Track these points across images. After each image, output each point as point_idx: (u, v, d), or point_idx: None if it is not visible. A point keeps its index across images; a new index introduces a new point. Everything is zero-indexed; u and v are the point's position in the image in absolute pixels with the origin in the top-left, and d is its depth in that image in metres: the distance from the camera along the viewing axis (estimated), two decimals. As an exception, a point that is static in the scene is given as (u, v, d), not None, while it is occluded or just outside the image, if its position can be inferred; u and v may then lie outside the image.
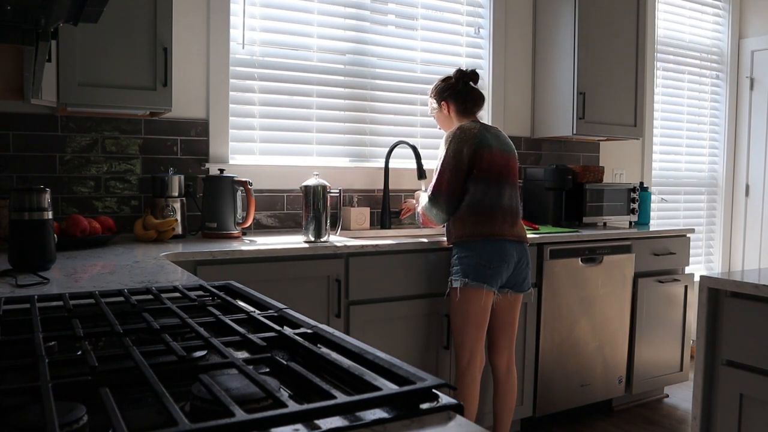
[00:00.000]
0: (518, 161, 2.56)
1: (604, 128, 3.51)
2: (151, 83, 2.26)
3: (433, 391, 0.66)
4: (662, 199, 4.28)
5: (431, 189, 2.44)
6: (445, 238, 2.53)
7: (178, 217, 2.47)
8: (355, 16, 3.07)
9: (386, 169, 3.05)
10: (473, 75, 2.58)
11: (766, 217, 4.44)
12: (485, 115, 3.46)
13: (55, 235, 1.68)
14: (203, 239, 2.46)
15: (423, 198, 2.53)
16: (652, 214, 4.07)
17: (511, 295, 2.46)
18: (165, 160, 2.63)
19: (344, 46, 3.05)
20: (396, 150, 3.12)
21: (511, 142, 2.56)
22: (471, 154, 2.39)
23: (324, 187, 2.42)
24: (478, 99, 2.57)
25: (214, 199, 2.50)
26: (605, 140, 3.85)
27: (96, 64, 2.17)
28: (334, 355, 0.78)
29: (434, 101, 2.62)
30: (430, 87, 2.64)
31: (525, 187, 3.47)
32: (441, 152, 2.47)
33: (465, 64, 3.40)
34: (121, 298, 1.15)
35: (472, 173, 2.40)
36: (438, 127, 2.68)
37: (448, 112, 2.57)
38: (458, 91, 2.55)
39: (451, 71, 3.33)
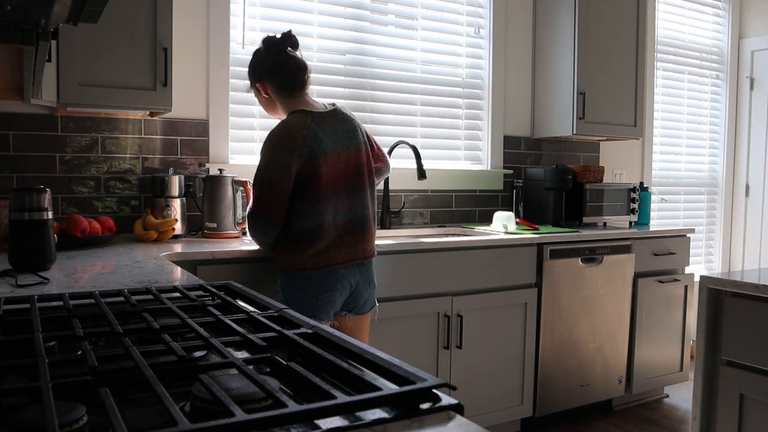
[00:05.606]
0: (368, 150, 2.08)
1: (604, 128, 3.51)
2: (151, 83, 2.26)
3: (433, 391, 0.66)
4: (662, 199, 4.28)
5: (249, 210, 2.00)
6: (447, 239, 2.53)
7: (178, 217, 2.48)
8: (355, 16, 3.07)
9: (386, 169, 3.05)
10: (291, 39, 2.04)
11: (766, 217, 4.44)
12: (486, 116, 3.46)
13: (55, 235, 1.69)
14: (203, 239, 2.46)
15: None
16: (652, 214, 4.07)
17: (351, 319, 2.09)
18: (165, 160, 2.63)
19: (344, 46, 3.05)
20: (396, 150, 3.12)
21: (356, 125, 2.06)
22: (300, 167, 1.91)
23: (323, 187, 2.40)
24: (302, 68, 2.04)
25: (214, 199, 2.50)
26: (605, 140, 3.85)
27: (96, 64, 2.17)
28: (334, 355, 0.78)
29: (250, 83, 2.12)
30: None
31: (525, 187, 3.47)
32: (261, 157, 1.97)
33: (465, 64, 3.40)
34: (121, 298, 1.15)
35: (301, 190, 1.94)
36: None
37: (267, 93, 2.07)
38: (274, 64, 2.03)
39: (451, 71, 3.38)
